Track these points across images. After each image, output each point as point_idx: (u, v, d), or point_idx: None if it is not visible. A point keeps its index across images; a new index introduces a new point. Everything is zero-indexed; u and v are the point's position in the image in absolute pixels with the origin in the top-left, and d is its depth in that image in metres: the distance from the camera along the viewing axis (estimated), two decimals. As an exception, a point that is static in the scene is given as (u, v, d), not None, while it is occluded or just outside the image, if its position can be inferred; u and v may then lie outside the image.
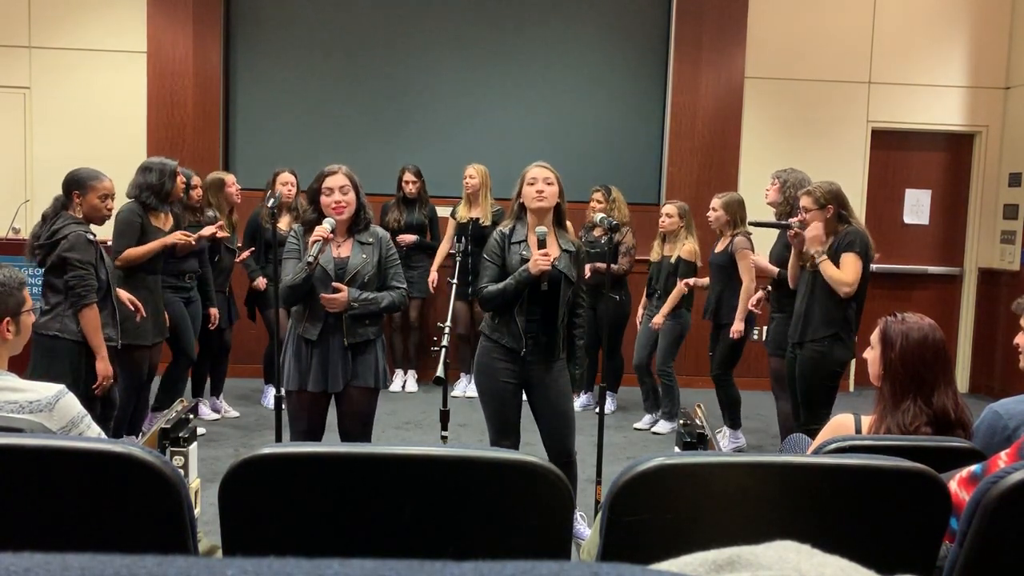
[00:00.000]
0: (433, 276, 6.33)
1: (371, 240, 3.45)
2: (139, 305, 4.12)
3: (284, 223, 5.47)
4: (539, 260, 3.29)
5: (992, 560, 1.56)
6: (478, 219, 6.12)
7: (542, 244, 3.33)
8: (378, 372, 3.47)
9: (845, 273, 3.98)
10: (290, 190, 5.62)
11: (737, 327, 5.00)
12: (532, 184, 3.43)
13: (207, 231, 4.91)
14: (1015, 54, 7.05)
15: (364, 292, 3.38)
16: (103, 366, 3.61)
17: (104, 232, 4.10)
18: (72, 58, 6.62)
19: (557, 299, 3.43)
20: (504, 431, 3.52)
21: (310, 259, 3.25)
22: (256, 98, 6.95)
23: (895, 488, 1.60)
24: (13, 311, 2.40)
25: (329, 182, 3.36)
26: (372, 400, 3.51)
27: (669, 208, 5.52)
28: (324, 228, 3.31)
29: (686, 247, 5.45)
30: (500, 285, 3.38)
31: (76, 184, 3.74)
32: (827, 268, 4.01)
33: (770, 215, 5.04)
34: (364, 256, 3.40)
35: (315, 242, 3.27)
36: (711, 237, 5.52)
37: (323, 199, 3.36)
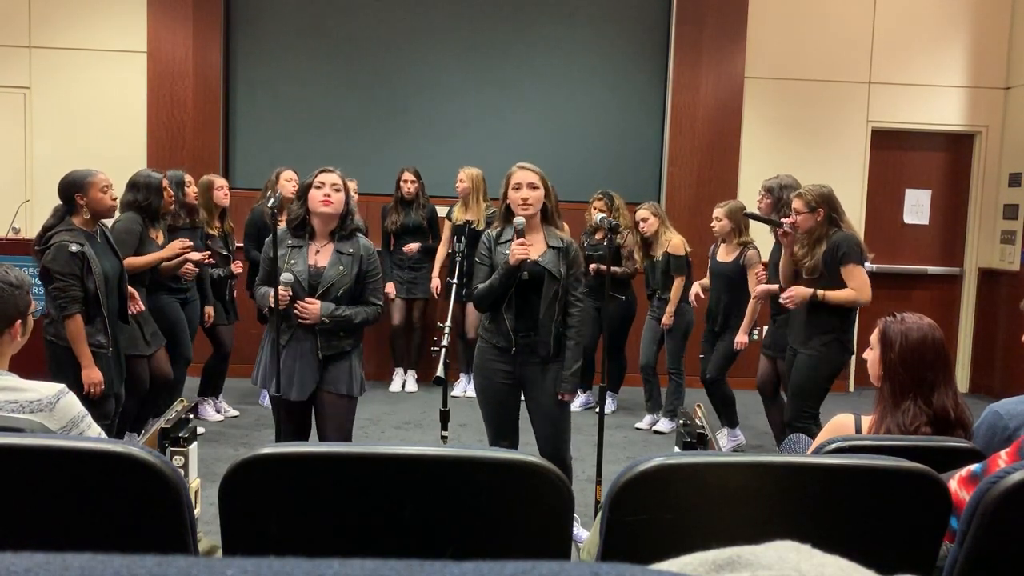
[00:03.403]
0: (436, 283, 6.30)
1: (351, 250, 3.41)
2: (136, 297, 4.13)
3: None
4: (515, 248, 3.33)
5: (992, 560, 1.56)
6: (471, 222, 6.11)
7: (520, 234, 3.37)
8: (352, 380, 3.43)
9: (853, 287, 3.98)
10: (294, 187, 5.61)
11: (741, 339, 5.00)
12: (517, 189, 3.44)
13: (195, 256, 4.82)
14: (1015, 54, 7.05)
15: (340, 308, 3.35)
16: (88, 373, 3.62)
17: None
18: (72, 58, 6.62)
19: (541, 295, 3.43)
20: (502, 432, 3.54)
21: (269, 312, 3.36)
22: (256, 98, 6.95)
23: (895, 488, 1.60)
24: (23, 311, 2.41)
25: (322, 178, 3.39)
26: (346, 407, 3.47)
27: (643, 212, 5.53)
28: (284, 295, 3.29)
29: (673, 242, 5.45)
30: (487, 282, 3.42)
31: (75, 187, 3.75)
32: (833, 298, 4.01)
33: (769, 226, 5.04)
34: (341, 267, 3.37)
35: (277, 300, 3.30)
36: (701, 234, 5.52)
37: (312, 192, 3.37)
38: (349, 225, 3.44)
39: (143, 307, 4.22)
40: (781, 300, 4.30)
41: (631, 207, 6.08)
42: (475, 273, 3.53)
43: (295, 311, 3.34)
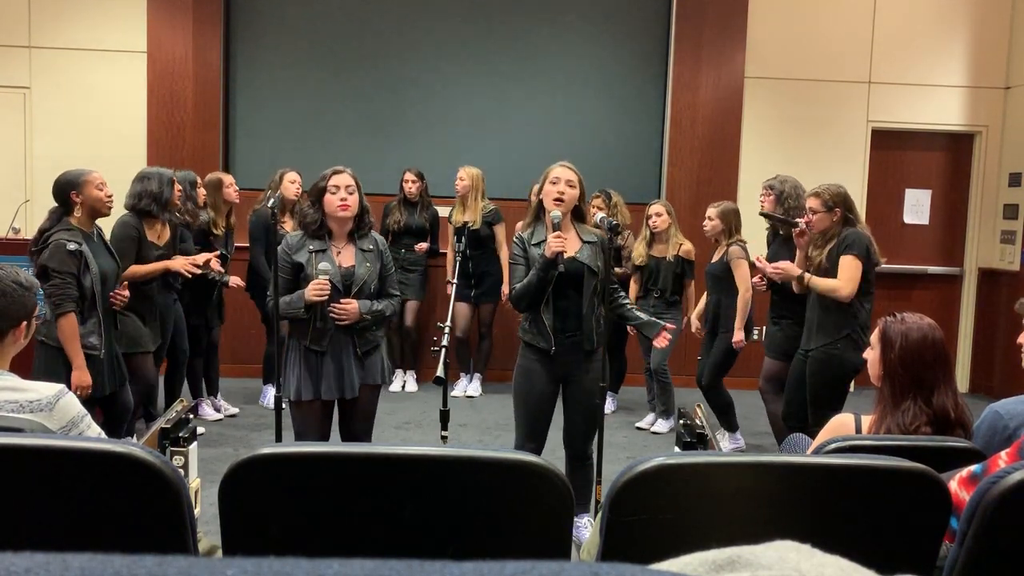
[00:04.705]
0: (450, 289, 6.25)
1: (371, 247, 3.46)
2: (125, 288, 4.11)
3: (288, 225, 5.46)
4: (552, 241, 3.34)
5: (992, 560, 1.56)
6: (468, 223, 6.10)
7: (556, 227, 3.38)
8: (384, 370, 3.55)
9: (840, 278, 3.97)
10: (297, 189, 5.62)
11: (737, 337, 4.99)
12: (555, 184, 3.47)
13: (202, 259, 4.83)
14: (1015, 54, 7.05)
15: (373, 303, 3.41)
16: (78, 375, 3.59)
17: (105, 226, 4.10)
18: (72, 58, 6.62)
19: (581, 292, 3.46)
20: (531, 435, 3.56)
21: (308, 316, 3.35)
22: (256, 98, 6.95)
23: (895, 488, 1.60)
24: (30, 312, 2.41)
25: (336, 180, 3.37)
26: (377, 397, 3.58)
27: (657, 208, 5.53)
28: (324, 285, 3.28)
29: (684, 246, 5.46)
30: (525, 280, 3.44)
31: (71, 186, 3.75)
32: (817, 284, 4.01)
33: (763, 224, 5.04)
34: (368, 265, 3.42)
35: (316, 295, 3.29)
36: (702, 235, 5.53)
37: (328, 197, 3.36)
38: (367, 223, 3.47)
39: (127, 295, 4.13)
40: (769, 271, 4.28)
41: (632, 207, 6.08)
42: (512, 274, 3.57)
43: (331, 313, 3.33)
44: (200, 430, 3.92)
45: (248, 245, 5.77)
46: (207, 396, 5.58)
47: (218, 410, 5.60)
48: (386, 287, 3.50)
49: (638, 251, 5.59)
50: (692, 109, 6.94)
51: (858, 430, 2.43)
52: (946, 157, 7.31)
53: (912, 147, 7.26)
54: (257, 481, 1.49)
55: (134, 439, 3.87)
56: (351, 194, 3.36)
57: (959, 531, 1.59)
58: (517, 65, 7.02)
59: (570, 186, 3.47)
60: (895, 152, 7.22)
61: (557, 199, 3.44)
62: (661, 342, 3.69)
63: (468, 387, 6.40)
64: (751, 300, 5.00)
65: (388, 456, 1.55)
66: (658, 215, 5.49)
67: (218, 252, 5.08)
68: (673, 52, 6.95)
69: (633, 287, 5.64)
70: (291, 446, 1.70)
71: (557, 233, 3.37)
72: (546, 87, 7.03)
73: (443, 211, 6.45)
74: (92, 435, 2.31)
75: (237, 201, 5.55)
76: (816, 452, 2.13)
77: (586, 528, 3.62)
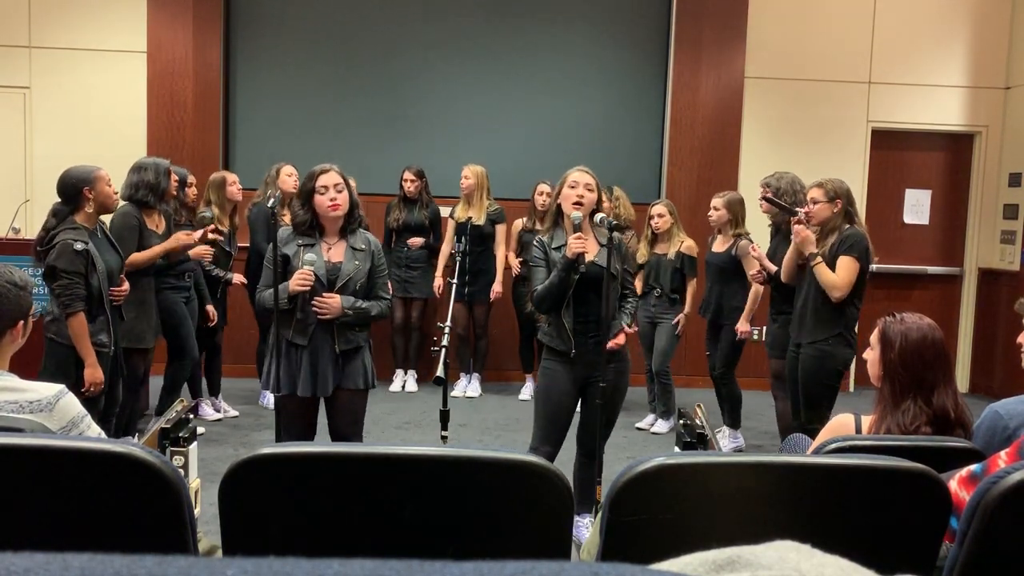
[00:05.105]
0: (439, 283, 6.29)
1: (363, 247, 3.44)
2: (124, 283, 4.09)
3: (288, 218, 5.44)
4: (573, 242, 3.36)
5: (992, 560, 1.56)
6: (472, 219, 6.12)
7: (577, 228, 3.41)
8: (367, 374, 3.48)
9: (839, 277, 3.98)
10: (295, 181, 5.62)
11: (743, 328, 5.03)
12: (573, 188, 3.49)
13: (199, 233, 4.86)
14: (1015, 54, 7.05)
15: (357, 300, 3.37)
16: (91, 372, 3.62)
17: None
18: (72, 58, 6.61)
19: (600, 295, 3.47)
20: (547, 437, 3.56)
21: (290, 306, 3.34)
22: (256, 98, 6.95)
23: (895, 488, 1.60)
24: (26, 312, 2.41)
25: (323, 180, 3.35)
26: (362, 401, 3.52)
27: (660, 208, 5.53)
28: (308, 276, 3.28)
29: (686, 243, 5.47)
30: (546, 282, 3.46)
31: (84, 182, 3.76)
32: (821, 271, 4.02)
33: (765, 220, 5.04)
34: (357, 263, 3.39)
35: (299, 284, 3.28)
36: (702, 234, 5.52)
37: (317, 198, 3.35)
38: (357, 218, 3.45)
39: (126, 289, 4.08)
40: (793, 225, 4.23)
41: (635, 207, 6.07)
42: (533, 277, 3.60)
43: (314, 307, 3.32)
44: (200, 430, 3.92)
45: (249, 243, 5.77)
46: (208, 396, 5.58)
47: (218, 411, 5.60)
48: (376, 289, 3.47)
49: (641, 251, 5.60)
50: (692, 109, 6.94)
51: (858, 430, 2.43)
52: (946, 157, 7.31)
53: (912, 147, 7.26)
54: (257, 481, 1.49)
55: (134, 439, 3.87)
56: (340, 192, 3.35)
57: (959, 531, 1.59)
58: (517, 65, 7.02)
59: (588, 190, 3.49)
60: (895, 152, 7.22)
61: (577, 203, 3.46)
62: (612, 344, 3.69)
63: (468, 388, 6.40)
64: (761, 292, 5.02)
65: (388, 456, 1.55)
66: (660, 216, 5.50)
67: (215, 227, 5.06)
68: (673, 52, 6.95)
69: (637, 285, 5.63)
70: (291, 446, 1.70)
71: (578, 234, 3.39)
72: (546, 87, 7.02)
73: (444, 210, 6.45)
74: (92, 435, 2.31)
75: (240, 199, 5.56)
76: (816, 452, 2.13)
77: (586, 528, 3.63)
